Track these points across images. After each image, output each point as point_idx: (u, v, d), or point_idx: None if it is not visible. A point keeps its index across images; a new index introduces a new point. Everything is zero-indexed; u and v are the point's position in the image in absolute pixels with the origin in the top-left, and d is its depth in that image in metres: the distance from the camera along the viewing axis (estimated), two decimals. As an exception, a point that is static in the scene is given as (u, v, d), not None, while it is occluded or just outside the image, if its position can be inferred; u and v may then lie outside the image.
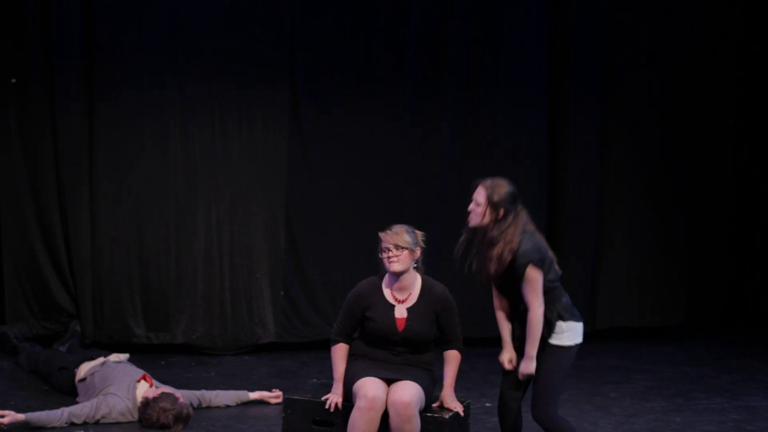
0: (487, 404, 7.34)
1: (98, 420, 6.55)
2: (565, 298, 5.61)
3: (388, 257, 5.73)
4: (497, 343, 9.18)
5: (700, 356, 9.05)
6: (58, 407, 6.56)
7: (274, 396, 7.23)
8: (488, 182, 5.63)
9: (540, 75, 9.25)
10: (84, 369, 7.04)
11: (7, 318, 8.45)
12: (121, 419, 6.60)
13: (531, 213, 9.19)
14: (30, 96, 8.37)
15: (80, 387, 6.97)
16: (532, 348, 5.46)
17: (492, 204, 5.53)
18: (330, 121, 8.83)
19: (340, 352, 5.84)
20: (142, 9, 8.41)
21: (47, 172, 8.44)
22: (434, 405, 5.94)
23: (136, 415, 6.62)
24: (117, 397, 6.62)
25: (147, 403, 6.51)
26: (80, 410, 6.53)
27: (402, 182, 9.02)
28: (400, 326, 5.76)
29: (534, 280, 5.43)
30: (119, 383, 6.71)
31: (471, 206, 5.61)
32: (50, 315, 8.52)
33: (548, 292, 5.51)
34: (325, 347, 8.82)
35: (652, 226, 9.70)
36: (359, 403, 5.60)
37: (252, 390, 7.29)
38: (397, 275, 5.76)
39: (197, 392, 7.06)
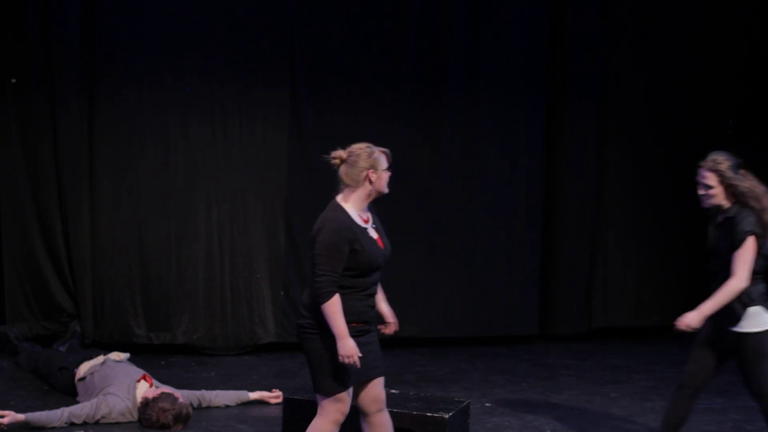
0: (487, 404, 7.35)
1: (98, 420, 6.55)
2: (761, 286, 5.58)
3: (390, 177, 5.32)
4: (497, 343, 9.27)
5: (700, 356, 9.03)
6: (58, 407, 6.56)
7: (274, 396, 7.23)
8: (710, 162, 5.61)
9: (538, 74, 9.27)
10: (84, 368, 7.04)
11: (7, 318, 8.45)
12: (121, 419, 6.60)
13: (527, 210, 9.36)
14: (30, 96, 8.38)
15: (80, 386, 6.97)
16: (709, 307, 5.48)
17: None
18: (330, 121, 8.84)
19: (339, 305, 5.03)
20: (142, 9, 8.42)
21: (47, 172, 8.44)
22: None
23: (136, 415, 6.62)
24: (117, 397, 6.62)
25: (147, 403, 6.51)
26: (80, 410, 6.53)
27: (402, 181, 8.99)
28: (381, 245, 5.32)
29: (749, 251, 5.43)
30: (119, 383, 6.71)
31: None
32: (50, 315, 8.52)
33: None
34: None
35: (650, 225, 9.70)
36: (338, 418, 5.17)
37: (252, 390, 7.29)
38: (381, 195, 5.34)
39: (197, 392, 7.06)
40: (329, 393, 5.12)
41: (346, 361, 4.99)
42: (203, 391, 7.10)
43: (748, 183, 5.57)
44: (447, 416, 5.95)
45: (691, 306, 10.09)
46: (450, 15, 9.01)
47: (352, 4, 8.85)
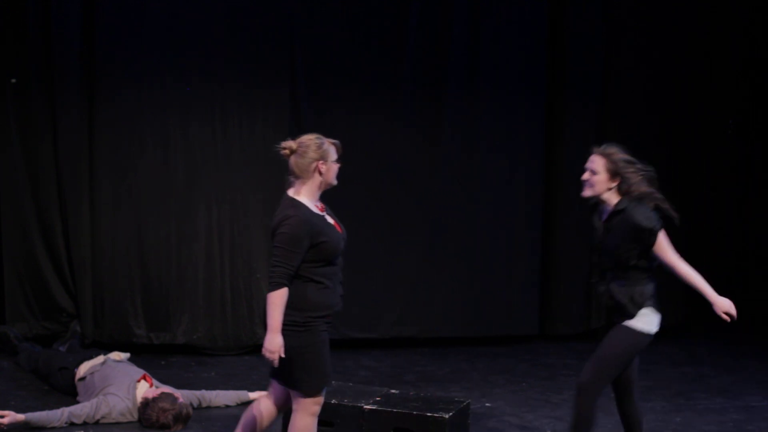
0: (487, 404, 7.35)
1: (98, 420, 6.55)
2: (652, 286, 5.51)
3: (338, 169, 5.32)
4: (497, 343, 9.26)
5: (700, 356, 9.05)
6: (58, 407, 6.56)
7: (274, 396, 7.22)
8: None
9: (538, 74, 9.27)
10: (84, 368, 7.04)
11: (7, 318, 8.45)
12: (121, 419, 6.60)
13: (527, 210, 9.36)
14: (30, 96, 8.38)
15: (80, 386, 6.97)
16: (708, 287, 5.36)
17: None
18: (330, 121, 8.83)
19: (284, 299, 5.03)
20: (142, 9, 8.42)
21: (47, 172, 8.44)
22: None
23: (136, 415, 6.62)
24: (117, 397, 6.62)
25: (147, 403, 6.51)
26: (80, 410, 6.53)
27: (401, 181, 9.02)
28: (339, 229, 5.28)
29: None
30: (119, 383, 6.71)
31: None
32: (50, 315, 8.52)
33: (640, 271, 5.44)
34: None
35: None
36: (316, 410, 5.22)
37: (252, 390, 7.28)
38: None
39: (197, 392, 7.06)
40: (312, 391, 5.14)
41: (267, 355, 5.01)
42: (203, 391, 7.10)
43: (638, 179, 5.46)
44: (447, 416, 5.94)
45: (690, 306, 10.14)
46: (450, 15, 9.01)
47: (352, 4, 8.85)
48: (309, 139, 5.32)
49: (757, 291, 10.28)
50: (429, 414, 5.97)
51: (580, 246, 9.50)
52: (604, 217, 5.52)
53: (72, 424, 6.48)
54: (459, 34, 9.02)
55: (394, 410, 6.10)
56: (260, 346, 8.64)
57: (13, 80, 8.34)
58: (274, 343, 5.00)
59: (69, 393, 7.08)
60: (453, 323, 9.17)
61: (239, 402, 7.16)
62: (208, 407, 7.03)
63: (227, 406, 7.10)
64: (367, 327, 8.99)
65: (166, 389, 6.68)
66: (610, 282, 5.47)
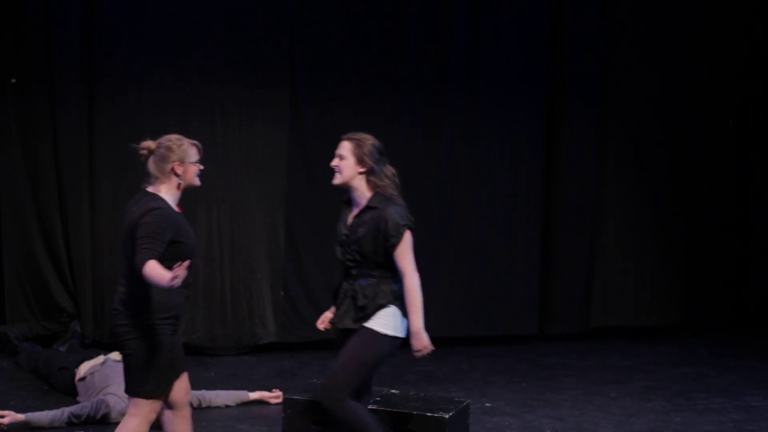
0: (487, 404, 7.35)
1: (98, 420, 6.54)
2: (399, 285, 5.24)
3: (200, 170, 5.21)
4: (497, 343, 9.27)
5: (700, 356, 9.05)
6: (58, 407, 6.56)
7: (274, 396, 7.23)
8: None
9: (538, 74, 9.28)
10: (84, 368, 7.04)
11: (7, 318, 8.45)
12: (122, 419, 6.59)
13: (527, 210, 9.36)
14: (30, 96, 8.38)
15: (80, 386, 6.96)
16: (418, 319, 5.15)
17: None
18: (330, 121, 8.84)
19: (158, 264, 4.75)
20: (142, 9, 8.42)
21: (47, 172, 8.44)
22: None
23: (136, 415, 6.61)
24: (117, 397, 6.62)
25: (147, 403, 6.50)
26: (80, 410, 6.53)
27: (401, 181, 8.99)
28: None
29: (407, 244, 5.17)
30: (119, 383, 6.67)
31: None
32: (50, 315, 8.52)
33: (388, 269, 5.19)
34: (325, 347, 8.88)
35: (650, 225, 9.71)
36: (152, 417, 5.09)
37: (252, 390, 7.28)
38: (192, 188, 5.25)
39: (197, 392, 7.05)
40: (150, 396, 5.04)
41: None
42: (203, 391, 7.09)
43: (386, 174, 5.30)
44: (447, 416, 5.94)
45: (690, 306, 10.14)
46: (450, 15, 9.01)
47: (352, 4, 8.85)
48: (168, 139, 5.24)
49: (757, 291, 10.28)
50: (429, 414, 5.97)
51: (579, 246, 9.52)
52: (355, 210, 5.32)
53: (72, 424, 6.48)
54: (459, 34, 9.03)
55: (394, 410, 6.09)
56: (260, 346, 8.74)
57: (13, 80, 8.34)
58: (164, 277, 4.62)
59: (69, 393, 7.08)
60: (453, 323, 9.17)
61: (239, 402, 7.16)
62: (208, 407, 7.03)
63: (227, 406, 7.09)
64: (367, 327, 8.97)
65: (166, 389, 6.67)
66: (356, 279, 5.22)
